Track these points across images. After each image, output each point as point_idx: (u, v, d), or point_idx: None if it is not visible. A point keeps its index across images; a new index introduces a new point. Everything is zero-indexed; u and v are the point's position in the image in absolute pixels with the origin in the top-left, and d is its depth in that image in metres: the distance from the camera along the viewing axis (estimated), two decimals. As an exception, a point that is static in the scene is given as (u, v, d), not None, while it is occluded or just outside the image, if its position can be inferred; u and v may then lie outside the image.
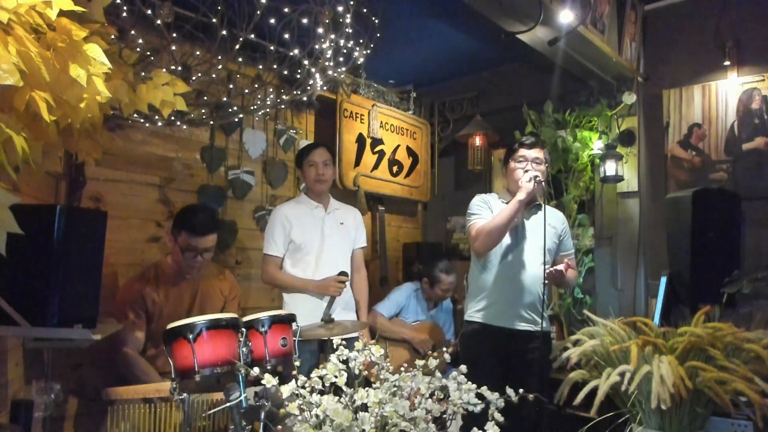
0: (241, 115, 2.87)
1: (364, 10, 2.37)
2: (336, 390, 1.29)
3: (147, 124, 2.66)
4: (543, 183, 2.53)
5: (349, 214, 3.06)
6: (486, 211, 2.62)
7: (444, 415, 1.30)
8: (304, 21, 2.23)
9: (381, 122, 4.26)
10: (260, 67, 2.78)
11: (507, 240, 2.57)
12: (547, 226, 2.60)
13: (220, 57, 2.23)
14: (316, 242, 2.87)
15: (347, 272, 2.73)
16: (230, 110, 2.70)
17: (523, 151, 2.60)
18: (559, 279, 2.46)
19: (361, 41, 2.43)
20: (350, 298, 2.95)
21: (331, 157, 2.97)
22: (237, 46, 2.13)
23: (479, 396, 1.35)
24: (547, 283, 2.47)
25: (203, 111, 2.61)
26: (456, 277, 3.62)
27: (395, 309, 3.59)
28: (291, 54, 2.39)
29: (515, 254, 2.57)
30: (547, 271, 2.44)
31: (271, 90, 2.79)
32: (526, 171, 2.53)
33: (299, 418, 1.24)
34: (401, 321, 3.59)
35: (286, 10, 2.18)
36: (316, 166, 2.87)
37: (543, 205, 2.54)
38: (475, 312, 2.60)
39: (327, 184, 2.93)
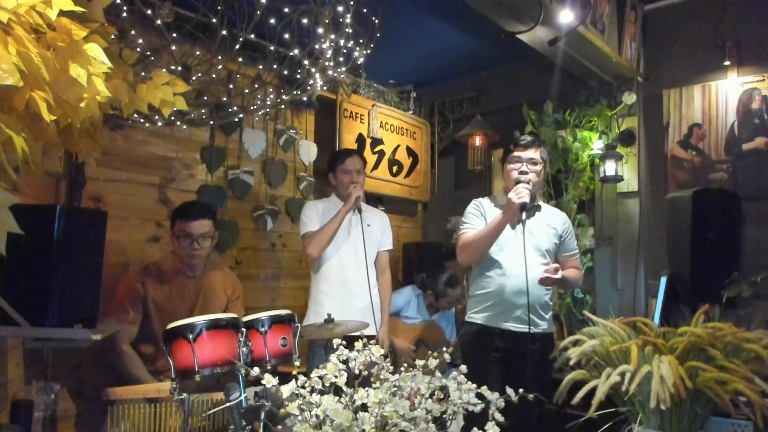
0: (241, 115, 2.87)
1: (364, 10, 2.37)
2: (336, 390, 1.29)
3: (147, 124, 2.66)
4: (531, 188, 2.49)
5: (377, 217, 3.18)
6: (478, 219, 2.60)
7: (444, 415, 1.30)
8: (304, 21, 2.23)
9: (381, 122, 4.26)
10: (260, 67, 2.78)
11: (507, 242, 2.55)
12: (547, 227, 2.58)
13: (220, 57, 2.23)
14: (342, 238, 2.97)
15: (361, 197, 2.92)
16: (230, 110, 2.70)
17: (518, 152, 2.56)
18: (549, 284, 2.44)
19: (361, 41, 2.43)
20: (375, 298, 3.01)
21: (363, 164, 3.09)
22: (237, 46, 2.14)
23: (479, 396, 1.35)
24: (541, 285, 2.46)
25: (203, 111, 2.61)
26: (461, 288, 3.62)
27: (394, 308, 3.59)
28: (291, 54, 2.39)
29: (514, 256, 2.53)
30: (539, 278, 2.41)
31: (271, 90, 2.79)
32: (522, 172, 2.52)
33: (299, 418, 1.24)
34: (399, 321, 3.59)
35: (286, 10, 2.19)
36: (350, 174, 2.99)
37: (522, 210, 2.49)
38: (474, 313, 2.59)
39: (361, 191, 3.04)
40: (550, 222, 2.62)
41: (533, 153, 2.56)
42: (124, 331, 2.41)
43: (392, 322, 3.57)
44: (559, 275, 2.40)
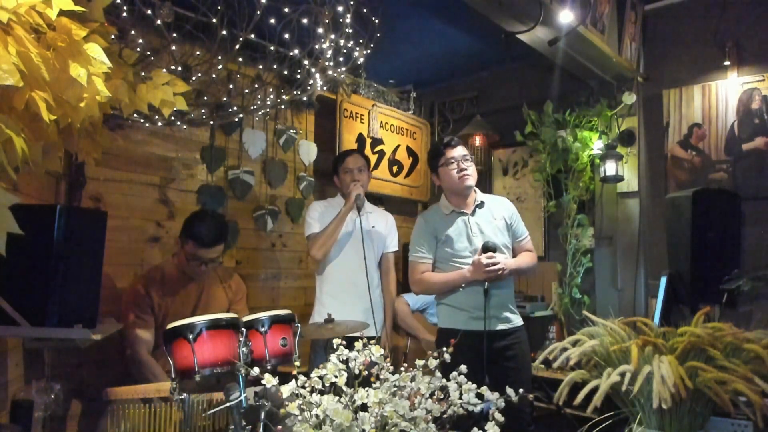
0: (241, 115, 2.87)
1: (364, 10, 2.37)
2: (336, 390, 1.29)
3: (147, 124, 2.66)
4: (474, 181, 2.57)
5: (382, 218, 3.18)
6: (431, 242, 2.57)
7: (444, 416, 1.30)
8: (304, 21, 2.23)
9: (381, 122, 4.26)
10: (260, 67, 2.79)
11: (461, 242, 2.54)
12: (494, 220, 2.59)
13: (220, 57, 2.23)
14: (345, 239, 2.97)
15: (362, 195, 2.91)
16: (230, 110, 2.70)
17: (449, 153, 2.57)
18: (501, 276, 2.43)
19: (361, 41, 2.43)
20: (379, 299, 3.03)
21: (365, 163, 3.07)
22: (237, 46, 2.14)
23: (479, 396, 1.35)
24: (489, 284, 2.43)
25: (203, 111, 2.62)
26: None
27: (420, 304, 3.65)
28: (291, 54, 2.39)
29: (472, 256, 2.49)
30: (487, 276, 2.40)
31: (271, 90, 2.79)
32: (462, 170, 2.53)
33: (299, 418, 1.24)
34: (423, 318, 3.61)
35: (286, 10, 2.19)
36: (351, 173, 2.98)
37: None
38: (446, 318, 2.57)
39: (363, 189, 3.02)
40: (496, 214, 2.62)
41: (462, 150, 2.59)
42: (143, 339, 2.41)
43: (417, 318, 3.60)
44: (500, 263, 2.39)
